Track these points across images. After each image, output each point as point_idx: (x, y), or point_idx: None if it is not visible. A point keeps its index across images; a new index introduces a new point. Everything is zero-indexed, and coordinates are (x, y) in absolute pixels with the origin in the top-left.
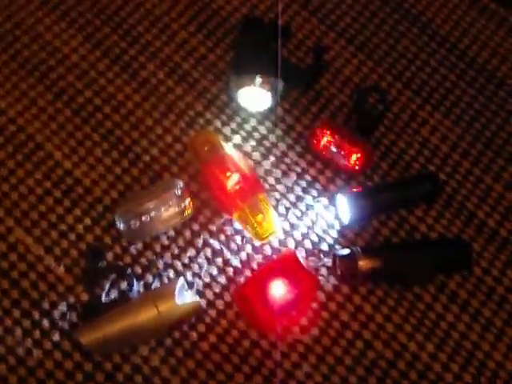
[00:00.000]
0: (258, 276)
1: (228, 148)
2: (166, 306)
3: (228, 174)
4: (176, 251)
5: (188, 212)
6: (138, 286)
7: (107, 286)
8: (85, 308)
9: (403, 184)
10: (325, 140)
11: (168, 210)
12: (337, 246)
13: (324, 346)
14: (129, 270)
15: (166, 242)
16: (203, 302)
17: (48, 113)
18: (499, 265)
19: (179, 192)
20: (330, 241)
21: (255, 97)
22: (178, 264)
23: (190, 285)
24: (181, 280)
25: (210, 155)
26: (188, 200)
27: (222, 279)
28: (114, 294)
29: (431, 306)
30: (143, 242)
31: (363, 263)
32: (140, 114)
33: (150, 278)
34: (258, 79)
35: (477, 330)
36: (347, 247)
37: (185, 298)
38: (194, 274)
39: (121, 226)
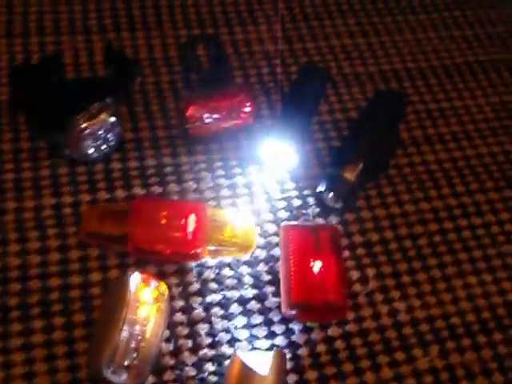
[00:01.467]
0: (293, 278)
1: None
2: None
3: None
4: (188, 343)
5: (164, 294)
6: None
7: None
8: None
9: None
10: (198, 114)
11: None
12: (304, 193)
13: None
14: None
15: (170, 346)
16: None
17: None
18: None
19: (141, 281)
20: (295, 193)
21: None
22: (205, 352)
23: None
24: (237, 357)
25: (121, 226)
26: (154, 283)
27: (256, 319)
28: None
29: None
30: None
31: (348, 174)
32: None
33: None
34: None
35: None
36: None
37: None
38: (230, 342)
39: (118, 378)
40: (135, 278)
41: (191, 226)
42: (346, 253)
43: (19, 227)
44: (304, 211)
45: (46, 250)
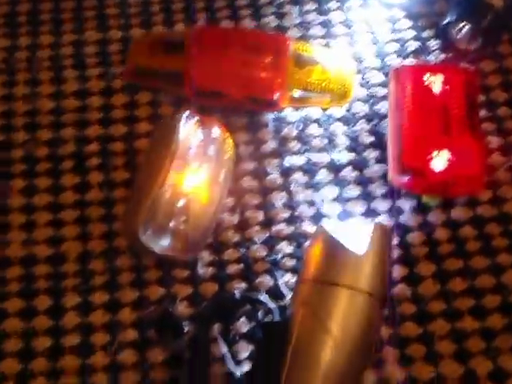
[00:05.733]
0: (407, 135)
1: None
2: (350, 274)
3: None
4: (260, 216)
5: (230, 144)
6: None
7: (223, 349)
8: None
9: None
10: None
11: (201, 165)
12: (423, 34)
13: None
14: (238, 294)
15: (232, 217)
16: None
17: None
18: None
19: (195, 125)
20: (411, 33)
21: None
22: (280, 227)
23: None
24: (323, 228)
25: (178, 60)
26: (216, 128)
27: (353, 191)
28: (242, 351)
29: None
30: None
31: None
32: (20, 106)
33: (265, 279)
34: None
35: None
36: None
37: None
38: (314, 219)
39: (158, 242)
40: (189, 119)
41: (269, 64)
42: (482, 112)
43: (55, 66)
44: (423, 57)
45: (85, 94)
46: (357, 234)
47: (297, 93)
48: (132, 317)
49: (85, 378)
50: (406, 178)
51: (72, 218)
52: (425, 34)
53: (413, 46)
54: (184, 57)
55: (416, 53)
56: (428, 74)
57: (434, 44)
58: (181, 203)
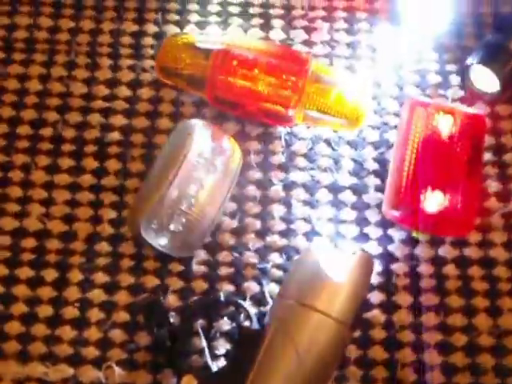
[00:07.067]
0: (407, 170)
1: (220, 38)
2: (324, 297)
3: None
4: (257, 224)
5: (238, 156)
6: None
7: (203, 343)
8: None
9: None
10: None
11: (208, 173)
12: (447, 68)
13: None
14: (223, 295)
15: (231, 222)
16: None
17: None
18: None
19: (206, 133)
20: (434, 66)
21: None
22: (274, 238)
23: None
24: (310, 249)
25: (201, 64)
26: (226, 138)
27: (348, 214)
28: (221, 347)
29: None
30: (203, 245)
31: None
32: (57, 86)
33: (252, 285)
34: None
35: None
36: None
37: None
38: (308, 235)
39: (156, 240)
40: (201, 129)
41: (288, 81)
42: (488, 155)
43: (92, 52)
44: (442, 91)
45: (114, 83)
46: (341, 261)
47: (311, 112)
48: (126, 299)
49: (77, 348)
50: (397, 213)
51: (87, 199)
52: (448, 68)
53: (434, 79)
54: (209, 64)
55: (436, 86)
56: (439, 114)
57: (455, 80)
58: (184, 205)
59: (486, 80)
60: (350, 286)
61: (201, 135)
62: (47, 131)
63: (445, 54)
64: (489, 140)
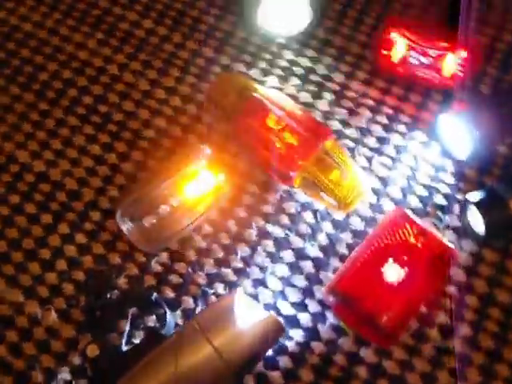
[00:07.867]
0: (357, 265)
1: (263, 90)
2: (224, 337)
3: (271, 119)
4: (220, 254)
5: (224, 190)
6: (173, 318)
7: (127, 327)
8: (99, 368)
9: None
10: (401, 46)
11: (195, 190)
12: (457, 196)
13: None
14: (155, 296)
15: (202, 242)
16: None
17: (1, 103)
18: None
19: (205, 161)
20: (445, 189)
21: (285, 13)
22: (228, 272)
23: (253, 297)
24: (238, 292)
25: (239, 104)
26: (221, 176)
27: (300, 281)
28: (138, 337)
29: None
30: (168, 248)
31: None
32: (128, 77)
33: (189, 300)
34: None
35: None
36: (481, 188)
37: (250, 316)
38: (256, 282)
39: (129, 229)
40: (204, 158)
41: (300, 145)
42: (452, 288)
43: (168, 59)
44: (439, 214)
45: (172, 91)
46: (255, 315)
47: (308, 182)
48: (89, 264)
49: (35, 284)
50: (331, 299)
51: (103, 173)
52: (458, 196)
53: (439, 200)
54: (242, 108)
55: (437, 207)
56: (413, 231)
57: (456, 209)
58: (161, 209)
59: (477, 222)
60: (250, 338)
61: (200, 163)
62: (103, 108)
63: (462, 182)
64: (459, 275)
